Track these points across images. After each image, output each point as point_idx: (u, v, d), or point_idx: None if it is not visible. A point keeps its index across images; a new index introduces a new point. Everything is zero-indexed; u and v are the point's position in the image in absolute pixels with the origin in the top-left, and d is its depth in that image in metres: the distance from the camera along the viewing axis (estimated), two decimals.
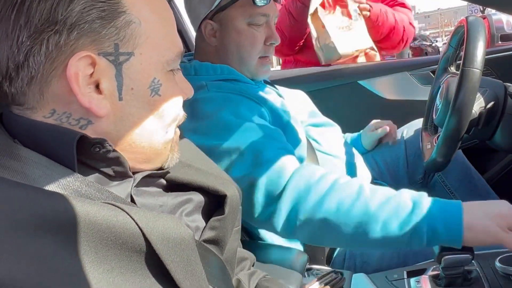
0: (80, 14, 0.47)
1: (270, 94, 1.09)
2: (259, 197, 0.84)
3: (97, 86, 0.49)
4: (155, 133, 0.55)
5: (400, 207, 0.76)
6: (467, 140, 1.12)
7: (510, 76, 1.31)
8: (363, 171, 1.18)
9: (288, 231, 0.85)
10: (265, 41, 1.05)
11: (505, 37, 7.26)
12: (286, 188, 0.83)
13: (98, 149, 0.49)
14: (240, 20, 1.01)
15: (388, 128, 1.35)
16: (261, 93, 1.05)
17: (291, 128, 1.03)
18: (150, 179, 0.57)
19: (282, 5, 1.96)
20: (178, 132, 0.61)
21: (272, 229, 0.86)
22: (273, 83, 1.21)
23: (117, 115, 0.51)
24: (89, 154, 0.50)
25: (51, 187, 0.45)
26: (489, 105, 1.04)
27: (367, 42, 1.96)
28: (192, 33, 1.95)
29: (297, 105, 1.15)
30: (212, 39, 1.04)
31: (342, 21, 1.92)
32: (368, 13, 1.94)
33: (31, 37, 0.46)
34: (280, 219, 0.83)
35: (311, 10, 1.87)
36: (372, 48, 2.00)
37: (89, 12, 0.47)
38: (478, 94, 1.02)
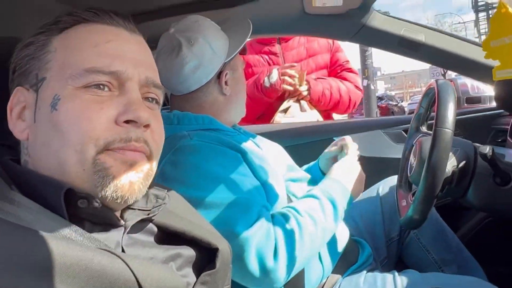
0: (16, 57, 0.56)
1: (251, 145, 1.11)
2: (252, 259, 0.88)
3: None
4: (60, 152, 0.51)
5: (328, 214, 1.01)
6: (441, 198, 1.14)
7: (478, 136, 1.37)
8: (341, 227, 1.18)
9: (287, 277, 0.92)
10: None
11: (470, 100, 7.71)
12: (276, 247, 0.90)
13: (84, 206, 0.49)
14: (241, 65, 1.15)
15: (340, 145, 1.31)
16: (243, 144, 1.07)
17: (271, 181, 1.03)
18: (141, 224, 0.56)
19: (253, 81, 2.13)
20: (120, 157, 0.53)
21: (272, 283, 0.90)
22: None
23: (32, 137, 0.54)
24: (76, 207, 0.49)
25: (42, 233, 0.44)
26: (461, 164, 1.07)
27: None
28: None
29: (276, 158, 1.16)
30: (227, 87, 1.10)
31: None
32: (308, 96, 2.11)
33: None
34: (280, 273, 0.90)
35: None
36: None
37: (22, 52, 0.55)
38: (450, 154, 1.05)
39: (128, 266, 0.44)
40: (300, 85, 2.06)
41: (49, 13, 0.82)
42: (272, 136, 1.46)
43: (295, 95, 2.09)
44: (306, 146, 1.78)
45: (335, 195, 1.04)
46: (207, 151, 0.96)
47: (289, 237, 0.92)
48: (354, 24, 1.42)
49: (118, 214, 0.54)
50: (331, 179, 1.10)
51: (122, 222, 0.53)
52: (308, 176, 1.25)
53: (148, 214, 0.57)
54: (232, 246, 0.86)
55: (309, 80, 2.10)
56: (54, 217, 0.47)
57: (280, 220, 0.94)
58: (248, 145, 1.08)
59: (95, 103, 0.52)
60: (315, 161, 1.39)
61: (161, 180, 0.67)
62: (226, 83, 1.10)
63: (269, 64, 2.20)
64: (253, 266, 0.87)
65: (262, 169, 1.03)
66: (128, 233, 0.53)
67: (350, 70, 2.25)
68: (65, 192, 0.48)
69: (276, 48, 2.21)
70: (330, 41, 2.22)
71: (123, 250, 0.52)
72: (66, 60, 0.54)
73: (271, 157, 1.11)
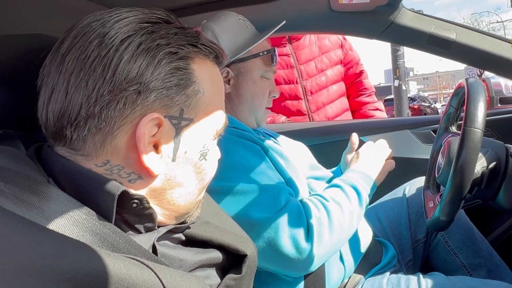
0: (162, 80, 0.49)
1: (271, 142, 1.11)
2: (286, 241, 0.89)
3: (155, 146, 0.51)
4: (192, 193, 0.57)
5: (354, 203, 1.02)
6: (470, 200, 1.11)
7: (511, 137, 1.32)
8: (365, 228, 1.16)
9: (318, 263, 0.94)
10: (269, 94, 1.15)
11: (504, 100, 7.43)
12: (310, 228, 0.92)
13: (135, 205, 0.50)
14: (257, 72, 1.11)
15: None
16: (262, 140, 1.07)
17: (293, 178, 1.03)
18: (171, 233, 0.57)
19: None
20: None
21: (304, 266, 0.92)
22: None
23: (167, 174, 0.53)
24: (125, 208, 0.50)
25: (80, 231, 0.45)
26: (491, 165, 1.03)
27: None
28: None
29: (298, 157, 1.16)
30: (226, 86, 1.09)
31: None
32: None
33: (112, 92, 0.47)
34: (312, 257, 0.90)
35: None
36: None
37: (170, 79, 0.50)
38: (480, 154, 1.02)
39: (158, 277, 0.44)
40: None
41: (76, 10, 0.84)
42: (297, 134, 1.46)
43: None
44: (333, 145, 1.76)
45: (356, 182, 1.06)
46: (228, 144, 0.96)
47: (319, 219, 0.93)
48: (382, 22, 1.38)
49: None
50: (349, 169, 1.12)
51: (156, 227, 0.54)
52: (331, 174, 1.24)
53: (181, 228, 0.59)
54: (265, 231, 0.88)
55: None
56: (97, 218, 0.46)
57: (308, 204, 0.96)
58: (268, 142, 1.08)
59: (218, 152, 0.61)
60: (337, 166, 1.38)
61: None
62: (227, 81, 1.09)
63: (282, 66, 2.16)
64: (288, 247, 0.89)
65: (282, 165, 1.03)
66: (158, 238, 0.54)
67: (362, 72, 2.28)
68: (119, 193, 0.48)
69: (288, 48, 2.16)
70: (340, 36, 2.22)
71: (154, 250, 0.52)
72: (213, 110, 0.56)
73: (292, 156, 1.10)
